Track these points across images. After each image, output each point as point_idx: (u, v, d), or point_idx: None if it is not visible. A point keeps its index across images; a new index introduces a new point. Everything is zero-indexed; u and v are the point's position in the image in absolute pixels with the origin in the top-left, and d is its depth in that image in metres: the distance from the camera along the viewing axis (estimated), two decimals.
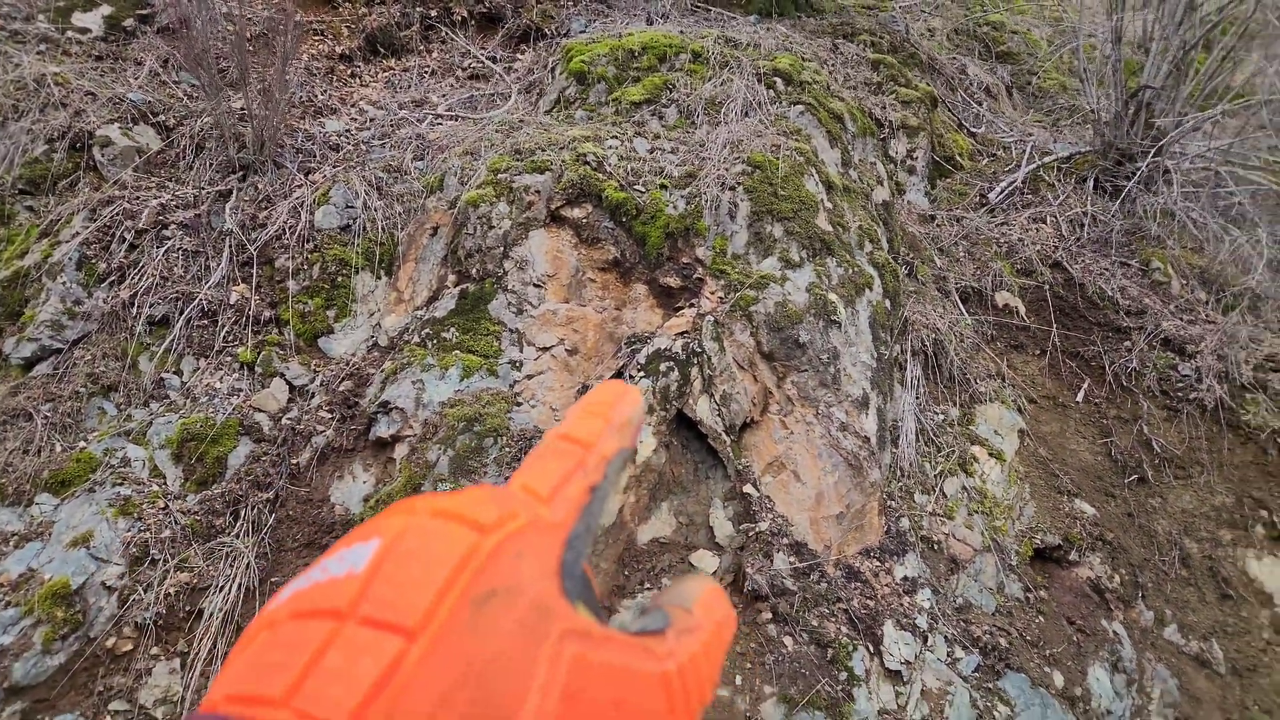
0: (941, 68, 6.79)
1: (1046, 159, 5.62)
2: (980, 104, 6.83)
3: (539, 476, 0.39)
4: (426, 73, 5.23)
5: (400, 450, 2.85)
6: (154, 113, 3.65)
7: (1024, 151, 5.82)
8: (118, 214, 3.13)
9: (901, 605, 2.78)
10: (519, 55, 5.63)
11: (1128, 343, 3.98)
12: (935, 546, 3.17)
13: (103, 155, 3.35)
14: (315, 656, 0.30)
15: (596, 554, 2.69)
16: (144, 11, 4.39)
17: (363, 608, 0.31)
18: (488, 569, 0.33)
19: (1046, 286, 4.41)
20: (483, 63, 5.38)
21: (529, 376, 3.16)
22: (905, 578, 2.90)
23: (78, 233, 3.04)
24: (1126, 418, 3.79)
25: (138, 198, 3.21)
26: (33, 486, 2.48)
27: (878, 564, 2.89)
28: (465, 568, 0.32)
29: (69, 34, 4.05)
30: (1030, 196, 5.33)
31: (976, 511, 3.37)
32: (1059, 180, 5.42)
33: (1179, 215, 4.51)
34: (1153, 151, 4.82)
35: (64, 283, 2.91)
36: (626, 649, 0.35)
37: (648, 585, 2.70)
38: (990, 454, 3.59)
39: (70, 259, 2.96)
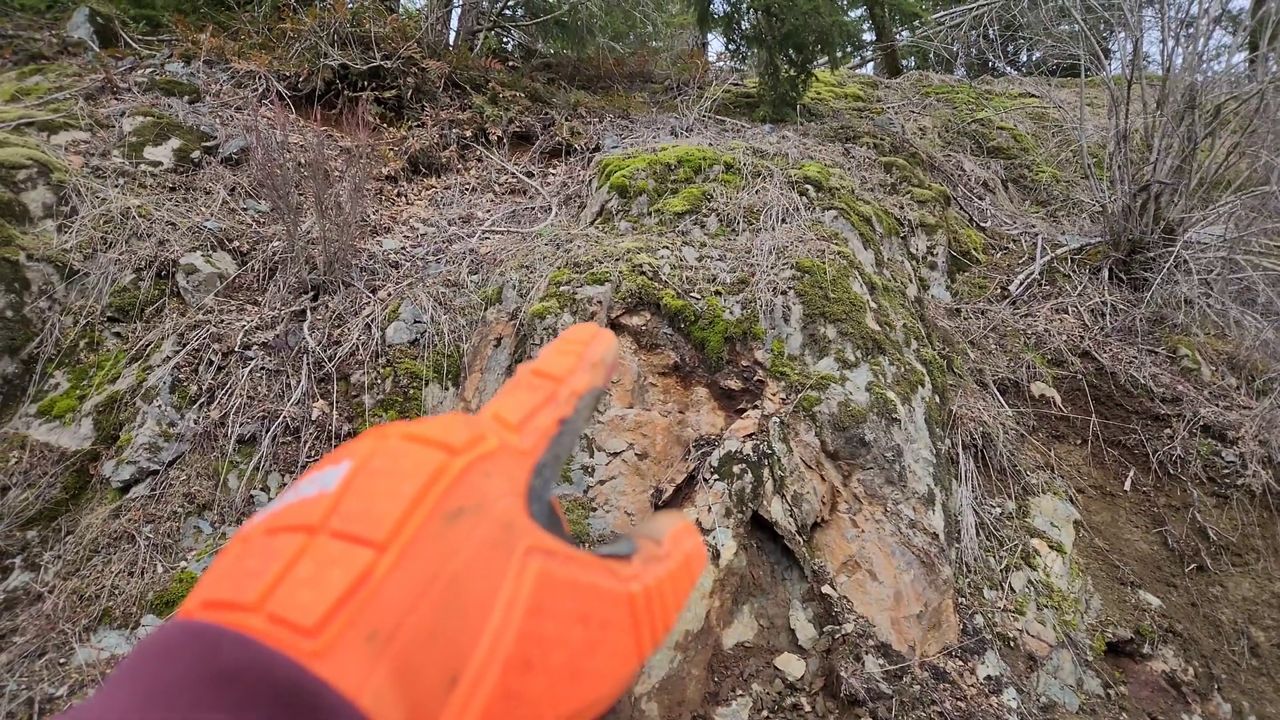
0: (940, 165, 7.14)
1: (1059, 251, 5.87)
2: (982, 199, 7.15)
3: (510, 406, 0.39)
4: (467, 189, 5.49)
5: None
6: (229, 239, 3.84)
7: (1035, 244, 6.07)
8: (205, 338, 3.26)
9: (990, 706, 2.79)
10: (552, 170, 5.92)
11: (1168, 430, 4.09)
12: (1011, 643, 3.19)
13: (187, 282, 3.51)
14: (288, 566, 0.31)
15: (688, 660, 2.71)
16: (209, 144, 4.65)
17: (333, 522, 0.32)
18: (457, 487, 0.34)
19: (1079, 376, 4.55)
20: (519, 178, 5.66)
21: (601, 482, 3.24)
22: (989, 677, 2.91)
23: (168, 357, 3.16)
24: (1177, 505, 3.87)
25: (222, 321, 3.36)
26: (139, 608, 2.52)
27: (960, 663, 2.92)
28: (434, 485, 0.33)
29: (142, 167, 4.29)
30: (1049, 288, 5.54)
31: (1046, 606, 3.41)
32: (1074, 271, 5.64)
33: (1197, 303, 4.70)
34: (1164, 243, 5.06)
35: (159, 406, 3.02)
36: (592, 567, 0.35)
37: (739, 691, 2.71)
38: (1050, 546, 3.64)
39: (164, 382, 3.08)
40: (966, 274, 5.80)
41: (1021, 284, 5.51)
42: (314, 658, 0.28)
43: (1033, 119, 8.86)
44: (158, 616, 2.53)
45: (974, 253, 6.01)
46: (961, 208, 6.56)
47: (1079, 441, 4.31)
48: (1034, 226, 6.52)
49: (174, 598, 2.57)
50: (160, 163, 4.37)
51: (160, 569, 2.65)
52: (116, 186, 4.00)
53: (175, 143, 4.52)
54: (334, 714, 0.28)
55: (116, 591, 2.55)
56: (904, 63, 13.12)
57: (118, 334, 3.38)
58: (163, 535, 2.72)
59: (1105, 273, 5.44)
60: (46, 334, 3.34)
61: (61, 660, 2.44)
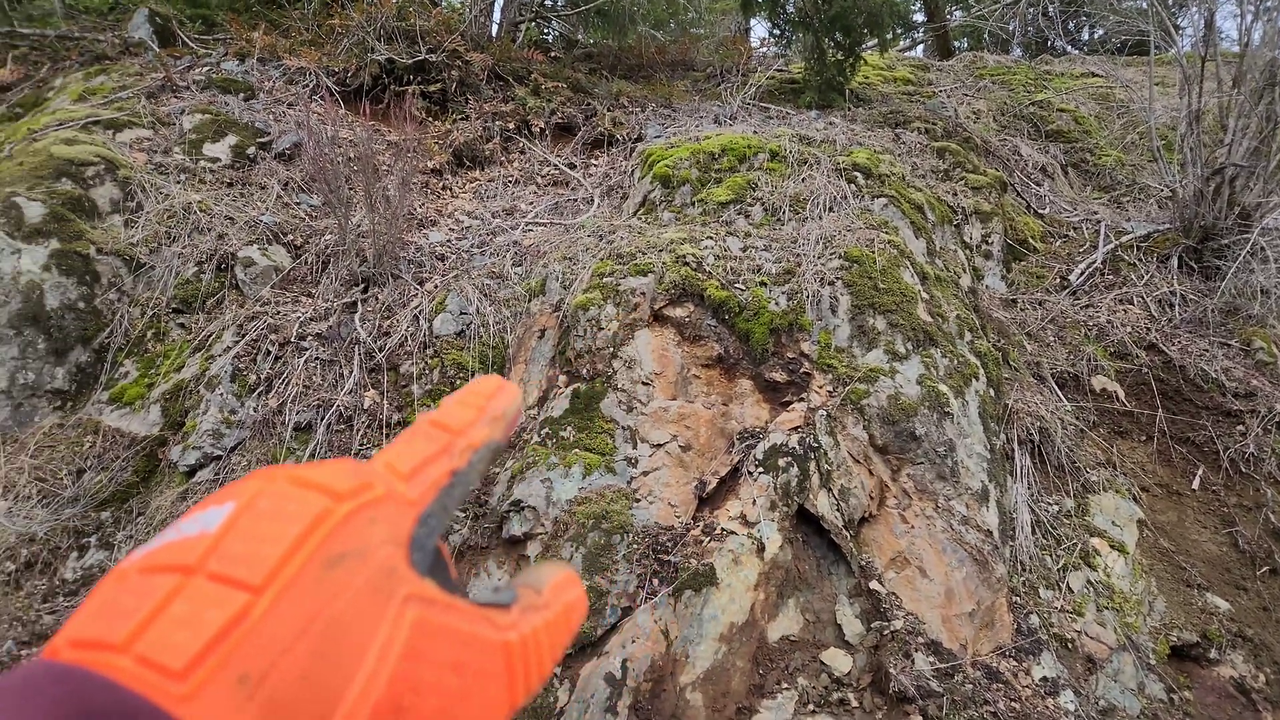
0: (995, 150, 6.94)
1: (1123, 238, 5.65)
2: (1040, 185, 6.93)
3: (403, 456, 0.40)
4: (510, 181, 5.52)
5: (533, 548, 2.92)
6: (284, 233, 3.93)
7: (1098, 231, 5.86)
8: (262, 329, 3.35)
9: (1046, 708, 2.71)
10: (594, 161, 5.92)
11: (1240, 426, 3.92)
12: (1069, 645, 3.10)
13: (245, 274, 3.61)
14: (160, 606, 0.30)
15: (732, 652, 2.69)
16: (263, 140, 4.76)
17: (211, 563, 0.32)
18: (339, 533, 0.34)
19: (1144, 369, 4.38)
20: (561, 170, 5.67)
21: (645, 473, 3.23)
22: (1044, 678, 2.83)
23: (229, 347, 3.25)
24: (1249, 505, 3.70)
25: (279, 312, 3.44)
26: None
27: (1015, 664, 2.84)
28: (316, 529, 0.33)
29: (201, 163, 4.41)
30: (1112, 277, 5.35)
31: (1106, 607, 3.29)
32: (1140, 260, 5.43)
33: (1275, 294, 4.48)
34: (1239, 229, 4.83)
35: (221, 394, 3.11)
36: (469, 616, 0.36)
37: (784, 684, 2.68)
38: (1111, 546, 3.52)
39: (225, 372, 3.17)
40: (1023, 263, 5.63)
41: (1083, 273, 5.33)
42: (181, 702, 0.28)
43: (1095, 100, 8.54)
44: None
45: (1031, 241, 5.83)
46: (1018, 194, 6.37)
47: (1143, 438, 4.16)
48: (1096, 213, 6.29)
49: None
50: (218, 159, 4.49)
51: None
52: (178, 182, 4.12)
53: (232, 139, 4.63)
54: None
55: None
56: (956, 44, 12.77)
57: (182, 324, 3.49)
58: None
59: (1174, 261, 5.22)
60: (116, 324, 3.47)
61: None
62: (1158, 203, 6.58)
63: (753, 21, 8.06)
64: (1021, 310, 5.00)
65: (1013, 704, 2.63)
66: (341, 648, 0.31)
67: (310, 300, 3.65)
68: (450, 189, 5.35)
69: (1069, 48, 11.83)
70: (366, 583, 0.33)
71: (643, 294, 3.62)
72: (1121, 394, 4.31)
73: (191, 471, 3.05)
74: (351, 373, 3.39)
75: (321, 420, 3.20)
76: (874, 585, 2.95)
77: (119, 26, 6.54)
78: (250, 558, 0.32)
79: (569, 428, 3.33)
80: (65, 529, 2.96)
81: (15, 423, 3.24)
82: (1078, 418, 4.13)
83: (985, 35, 11.98)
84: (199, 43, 6.33)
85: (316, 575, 0.32)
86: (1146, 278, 5.14)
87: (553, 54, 7.08)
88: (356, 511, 0.35)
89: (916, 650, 2.74)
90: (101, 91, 4.99)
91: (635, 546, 2.89)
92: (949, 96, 8.00)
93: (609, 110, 6.16)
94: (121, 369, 3.46)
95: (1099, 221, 5.97)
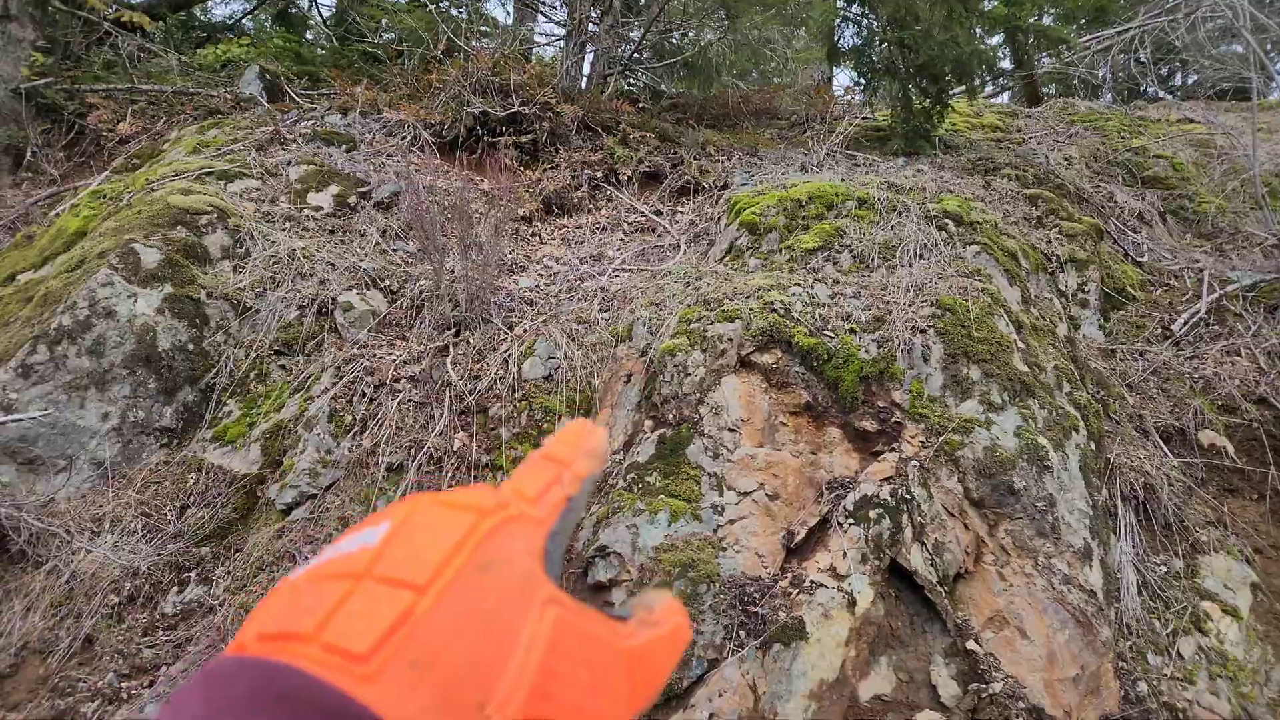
0: (1089, 197, 6.74)
1: (1228, 287, 5.40)
2: (1137, 232, 6.69)
3: (526, 482, 0.44)
4: (598, 228, 5.64)
5: (618, 595, 2.91)
6: (381, 278, 4.09)
7: (1200, 280, 5.62)
8: (359, 371, 3.48)
9: None
10: (680, 208, 5.99)
11: None
12: (1180, 715, 2.90)
13: (344, 318, 3.77)
14: (338, 604, 0.35)
15: (822, 710, 2.61)
16: (364, 189, 4.99)
17: (378, 569, 0.36)
18: (487, 543, 0.38)
19: (1255, 424, 4.14)
20: (648, 217, 5.76)
21: (731, 521, 3.19)
22: None
23: (326, 388, 3.39)
24: None
25: (374, 355, 3.57)
26: None
27: None
28: (468, 540, 0.38)
29: (305, 211, 4.65)
30: (1217, 327, 5.10)
31: (1219, 675, 3.08)
32: (1246, 310, 5.18)
33: None
34: None
35: (318, 434, 3.23)
36: (597, 621, 0.40)
37: None
38: (1224, 610, 3.31)
39: (323, 412, 3.30)
40: (1122, 312, 5.42)
41: (1186, 323, 5.10)
42: (362, 682, 0.32)
43: (1193, 146, 8.25)
44: None
45: (1130, 290, 5.62)
46: (1115, 241, 6.16)
47: (1255, 496, 3.92)
48: (1198, 261, 6.03)
49: None
50: (321, 207, 4.73)
51: None
52: (284, 229, 4.35)
53: (334, 189, 4.88)
54: None
55: None
56: (1045, 90, 12.54)
57: (283, 366, 3.66)
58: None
59: None
60: (222, 365, 3.65)
61: None
62: (1263, 251, 6.28)
63: (836, 70, 8.10)
64: (1121, 361, 4.80)
65: None
66: (496, 639, 0.35)
67: (405, 343, 3.78)
68: (539, 236, 5.49)
69: (1162, 93, 11.50)
70: (514, 585, 0.38)
71: (730, 340, 3.62)
72: (1231, 450, 4.08)
73: (288, 509, 3.16)
74: (442, 415, 3.48)
75: (413, 461, 3.29)
76: (970, 645, 2.83)
77: (230, 82, 7.01)
78: (413, 563, 0.37)
79: (655, 473, 3.33)
80: (167, 563, 3.09)
81: (124, 459, 3.42)
82: (1184, 474, 3.92)
83: (1075, 81, 11.74)
84: (304, 97, 6.72)
85: (471, 577, 0.37)
86: (1254, 328, 4.88)
87: (640, 105, 7.26)
88: (500, 526, 0.40)
89: (1017, 716, 2.61)
90: (215, 144, 5.33)
91: (722, 597, 2.86)
92: (1039, 143, 7.85)
93: (695, 159, 6.25)
94: (225, 408, 3.63)
95: (1201, 270, 5.73)
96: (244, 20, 10.37)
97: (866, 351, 3.53)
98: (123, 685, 2.70)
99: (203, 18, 9.99)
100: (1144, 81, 10.60)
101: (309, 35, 10.27)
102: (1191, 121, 8.91)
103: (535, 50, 8.97)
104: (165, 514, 3.20)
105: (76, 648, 2.83)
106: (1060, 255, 5.23)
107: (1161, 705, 2.92)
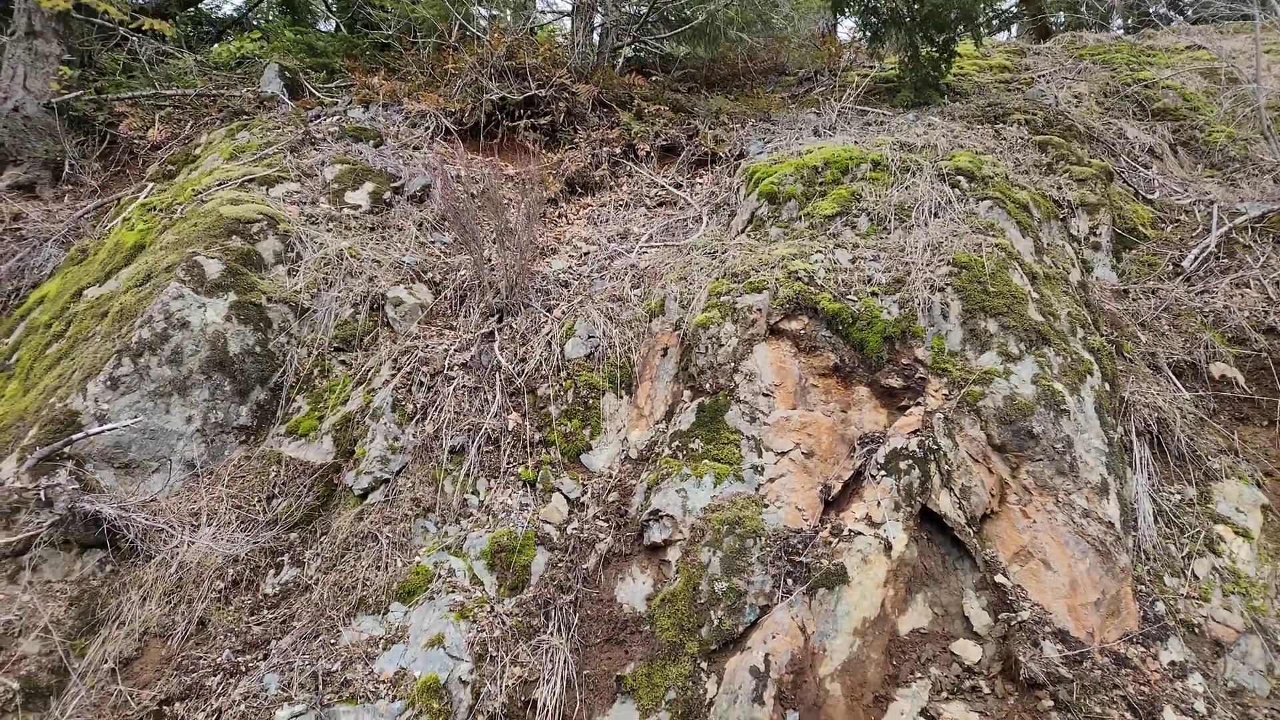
0: (1099, 135, 6.82)
1: (1237, 220, 5.53)
2: (1149, 167, 6.78)
3: None
4: (620, 205, 5.82)
5: (673, 553, 3.19)
6: (424, 271, 4.34)
7: (1210, 214, 5.74)
8: (414, 362, 3.74)
9: (1175, 690, 2.81)
10: (699, 179, 6.16)
11: None
12: (1195, 630, 3.17)
13: (394, 313, 4.03)
14: None
15: (866, 645, 2.90)
16: (396, 184, 5.21)
17: None
18: None
19: (1265, 354, 4.33)
20: (668, 190, 5.94)
21: (771, 480, 3.46)
22: (1173, 662, 2.92)
23: (387, 380, 3.66)
24: None
25: (427, 346, 3.83)
26: (387, 597, 2.99)
27: (1143, 649, 2.94)
28: None
29: (345, 211, 4.89)
30: (1227, 261, 5.25)
31: (1232, 592, 3.34)
32: (1255, 241, 5.31)
33: None
34: None
35: (385, 423, 3.52)
36: None
37: (917, 674, 2.87)
38: (1236, 532, 3.55)
39: (386, 403, 3.58)
40: (1134, 252, 5.57)
41: (1196, 259, 5.25)
42: None
43: (1203, 74, 8.25)
44: (402, 604, 2.99)
45: (1141, 229, 5.76)
46: (1125, 181, 6.28)
47: (1265, 423, 4.12)
48: (1208, 194, 6.14)
49: (412, 588, 3.03)
50: (359, 205, 4.96)
51: (400, 563, 3.12)
52: (328, 230, 4.59)
53: (369, 186, 5.11)
54: None
55: (368, 583, 3.04)
56: (1053, 21, 12.42)
57: (343, 361, 3.93)
58: (398, 534, 3.20)
59: None
60: (287, 365, 3.94)
61: (331, 641, 2.93)
62: (1274, 178, 6.37)
63: (840, 18, 8.12)
64: (1134, 300, 4.98)
65: (1142, 688, 2.75)
66: None
67: (453, 332, 4.04)
68: (565, 216, 5.69)
69: (1174, 17, 11.36)
70: None
71: (759, 310, 3.85)
72: (1241, 380, 4.27)
73: (364, 494, 3.47)
74: (495, 397, 3.74)
75: (473, 442, 3.57)
76: (999, 579, 3.10)
77: (249, 80, 7.19)
78: None
79: (697, 440, 3.59)
80: (262, 550, 3.41)
81: (210, 457, 3.73)
82: (1197, 406, 4.13)
83: (1083, 8, 11.61)
84: (324, 92, 6.90)
85: None
86: (1263, 259, 5.03)
87: (652, 76, 7.36)
88: None
89: (1044, 639, 2.88)
90: (249, 149, 5.55)
91: (768, 549, 3.13)
92: (1048, 82, 7.89)
93: (710, 129, 6.39)
94: (295, 404, 3.92)
95: (1211, 203, 5.84)
96: (249, 15, 10.49)
97: (888, 312, 3.75)
98: (239, 660, 3.03)
99: (210, 12, 10.13)
100: (1153, 7, 10.49)
101: (320, 25, 10.37)
102: (1201, 48, 8.87)
103: (545, 24, 9.03)
104: (254, 505, 3.51)
105: (192, 630, 3.16)
106: (1071, 200, 5.37)
107: (1179, 622, 3.18)
